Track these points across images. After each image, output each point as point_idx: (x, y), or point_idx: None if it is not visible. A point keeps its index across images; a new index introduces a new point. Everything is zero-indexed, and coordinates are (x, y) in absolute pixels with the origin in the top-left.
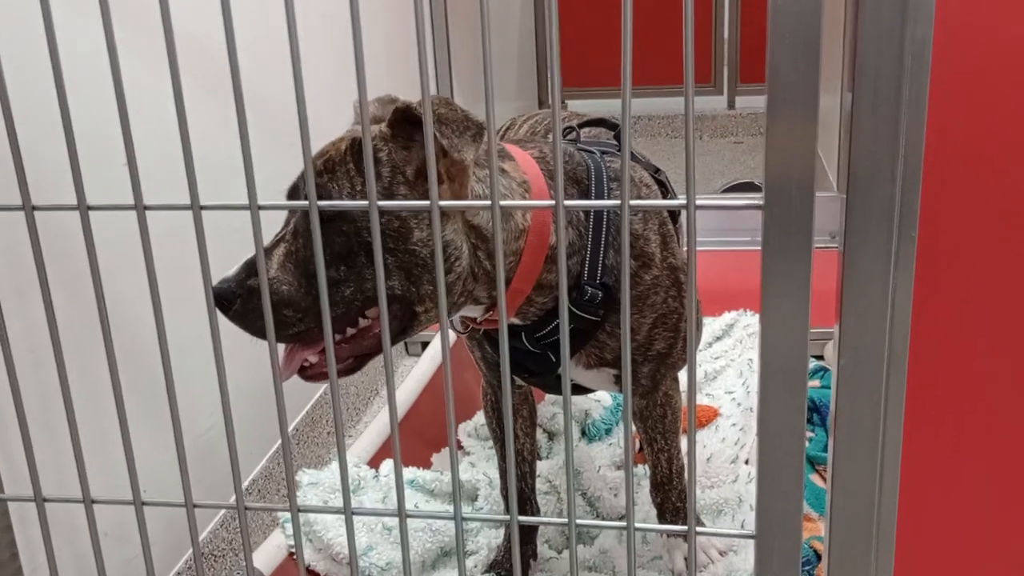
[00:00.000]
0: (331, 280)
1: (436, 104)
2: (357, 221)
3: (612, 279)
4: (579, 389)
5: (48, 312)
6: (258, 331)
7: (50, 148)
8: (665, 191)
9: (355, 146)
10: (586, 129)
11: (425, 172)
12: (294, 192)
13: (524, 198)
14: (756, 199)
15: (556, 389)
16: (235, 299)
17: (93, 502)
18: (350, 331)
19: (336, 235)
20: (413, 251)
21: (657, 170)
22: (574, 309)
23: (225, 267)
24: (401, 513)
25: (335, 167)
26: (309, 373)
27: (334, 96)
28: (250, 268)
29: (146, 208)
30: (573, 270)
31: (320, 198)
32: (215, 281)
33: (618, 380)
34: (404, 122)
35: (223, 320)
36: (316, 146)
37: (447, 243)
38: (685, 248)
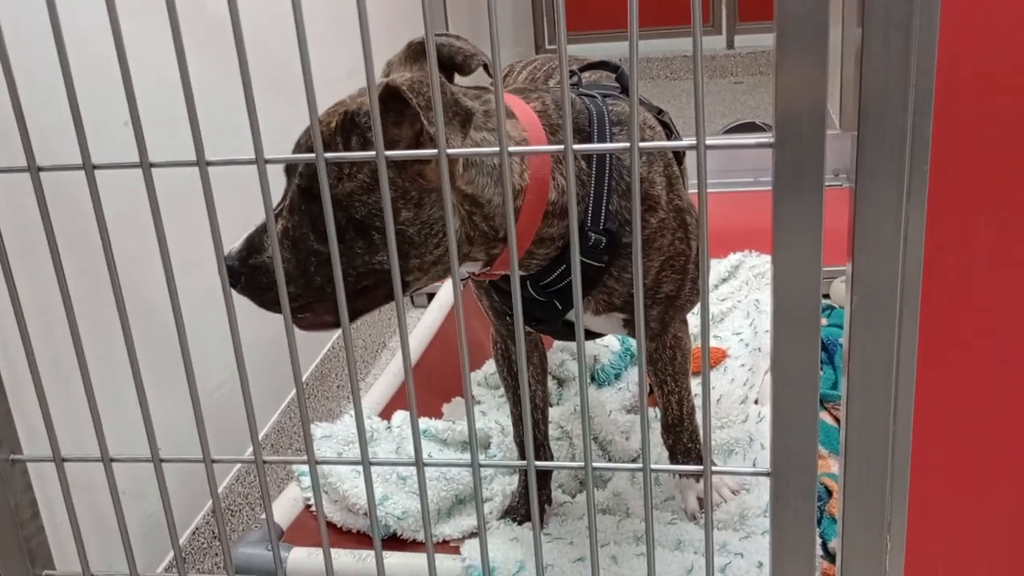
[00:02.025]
0: (324, 257)
1: (424, 84)
2: (344, 202)
3: (616, 224)
4: (588, 335)
5: (58, 274)
6: (265, 304)
7: (52, 110)
8: (669, 132)
9: (344, 123)
10: (587, 73)
11: (416, 149)
12: (290, 166)
13: (522, 157)
14: (767, 138)
15: (565, 336)
16: (240, 277)
17: (112, 460)
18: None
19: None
20: (401, 231)
21: (660, 111)
22: (579, 256)
23: (230, 225)
24: (419, 462)
25: (324, 146)
26: (305, 323)
27: (334, 50)
28: (251, 245)
29: (151, 166)
30: (577, 217)
31: (310, 179)
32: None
33: (627, 324)
34: (394, 99)
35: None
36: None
37: (434, 220)
38: (690, 191)
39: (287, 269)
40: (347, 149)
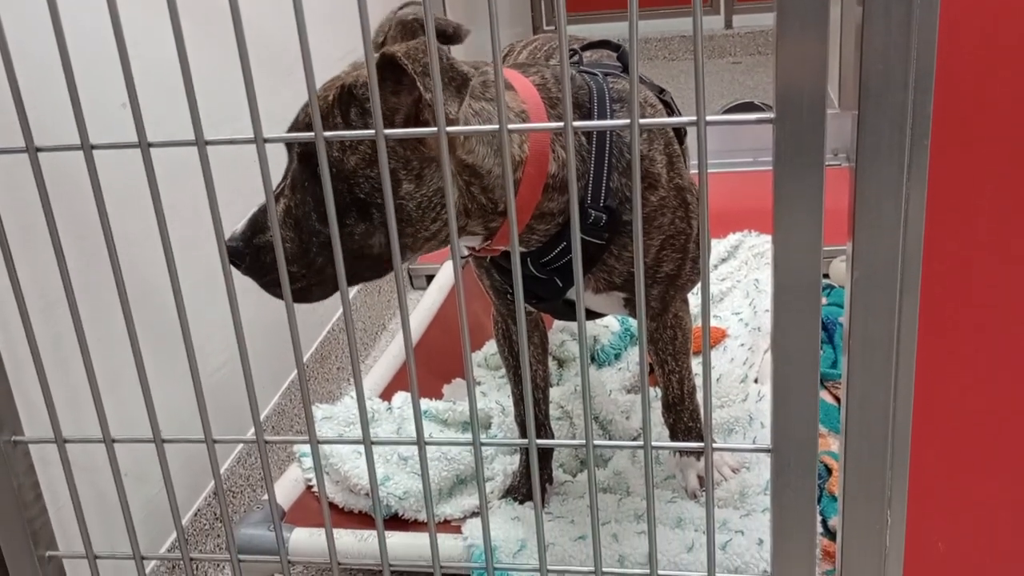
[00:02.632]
0: (325, 238)
1: (420, 51)
2: (349, 179)
3: (616, 202)
4: (589, 314)
5: (58, 255)
6: (267, 285)
7: (50, 91)
8: (670, 111)
9: (343, 96)
10: (588, 52)
11: (413, 120)
12: (288, 143)
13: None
14: (767, 114)
15: (565, 315)
16: (244, 257)
17: (114, 441)
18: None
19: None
20: (400, 206)
21: (662, 90)
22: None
23: (230, 205)
24: (420, 441)
25: (322, 120)
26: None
27: (332, 30)
28: (255, 225)
29: (150, 145)
30: (577, 194)
31: (308, 155)
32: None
33: (627, 303)
34: (391, 67)
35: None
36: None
37: (433, 193)
38: (691, 171)
39: (290, 249)
40: (346, 122)
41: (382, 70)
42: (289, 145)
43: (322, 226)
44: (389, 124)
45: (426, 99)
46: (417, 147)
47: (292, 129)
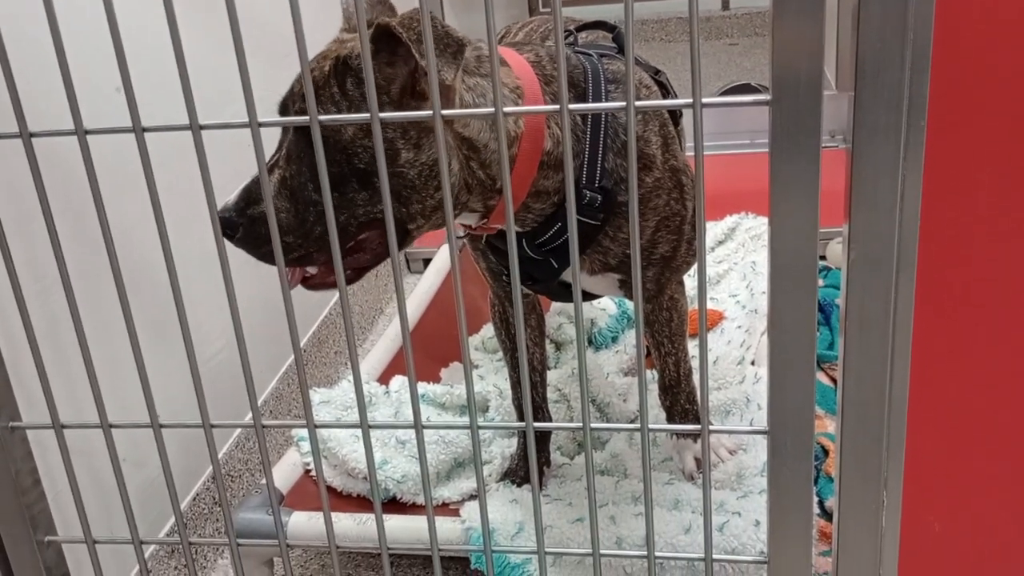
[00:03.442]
0: (323, 207)
1: (415, 20)
2: (347, 149)
3: (611, 182)
4: (584, 295)
5: (53, 240)
6: (263, 256)
7: (43, 76)
8: (666, 92)
9: (338, 67)
10: (584, 33)
11: (410, 89)
12: (283, 110)
13: (516, 104)
14: (763, 96)
15: (561, 296)
16: (237, 228)
17: (111, 427)
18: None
19: (328, 164)
20: (401, 173)
21: (657, 71)
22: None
23: (223, 188)
24: (417, 425)
25: (319, 91)
26: (311, 283)
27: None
28: (249, 195)
29: (144, 130)
30: (572, 174)
31: (304, 126)
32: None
33: (623, 285)
34: (386, 38)
35: (229, 243)
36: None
37: (434, 162)
38: (687, 153)
39: (285, 220)
40: (342, 92)
41: (376, 41)
42: (283, 111)
43: (319, 195)
44: (385, 94)
45: (422, 66)
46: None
47: (287, 98)
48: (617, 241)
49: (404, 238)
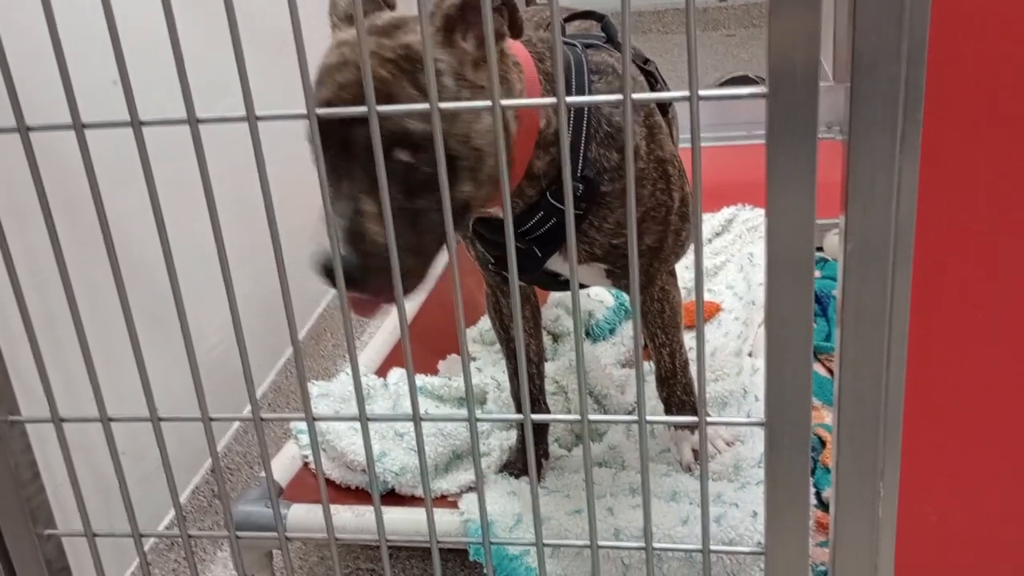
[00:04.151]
0: (420, 210)
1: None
2: (425, 147)
3: (593, 172)
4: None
5: (51, 235)
6: (380, 289)
7: (40, 70)
8: (654, 81)
9: (408, 62)
10: (574, 22)
11: (481, 63)
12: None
13: (519, 78)
14: (760, 89)
15: (548, 285)
16: (368, 276)
17: (110, 420)
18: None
19: (408, 169)
20: (478, 148)
21: (646, 60)
22: (555, 202)
23: (220, 180)
24: (416, 417)
25: (389, 93)
26: (361, 309)
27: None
28: (353, 237)
29: (142, 124)
30: (557, 161)
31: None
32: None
33: (610, 274)
34: (468, 8)
35: (226, 235)
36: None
37: (485, 133)
38: (683, 145)
39: (403, 243)
40: (417, 88)
41: (446, 29)
42: (327, 133)
43: (407, 200)
44: (462, 79)
45: (517, 20)
46: (478, 85)
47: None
48: (602, 231)
49: (465, 215)
